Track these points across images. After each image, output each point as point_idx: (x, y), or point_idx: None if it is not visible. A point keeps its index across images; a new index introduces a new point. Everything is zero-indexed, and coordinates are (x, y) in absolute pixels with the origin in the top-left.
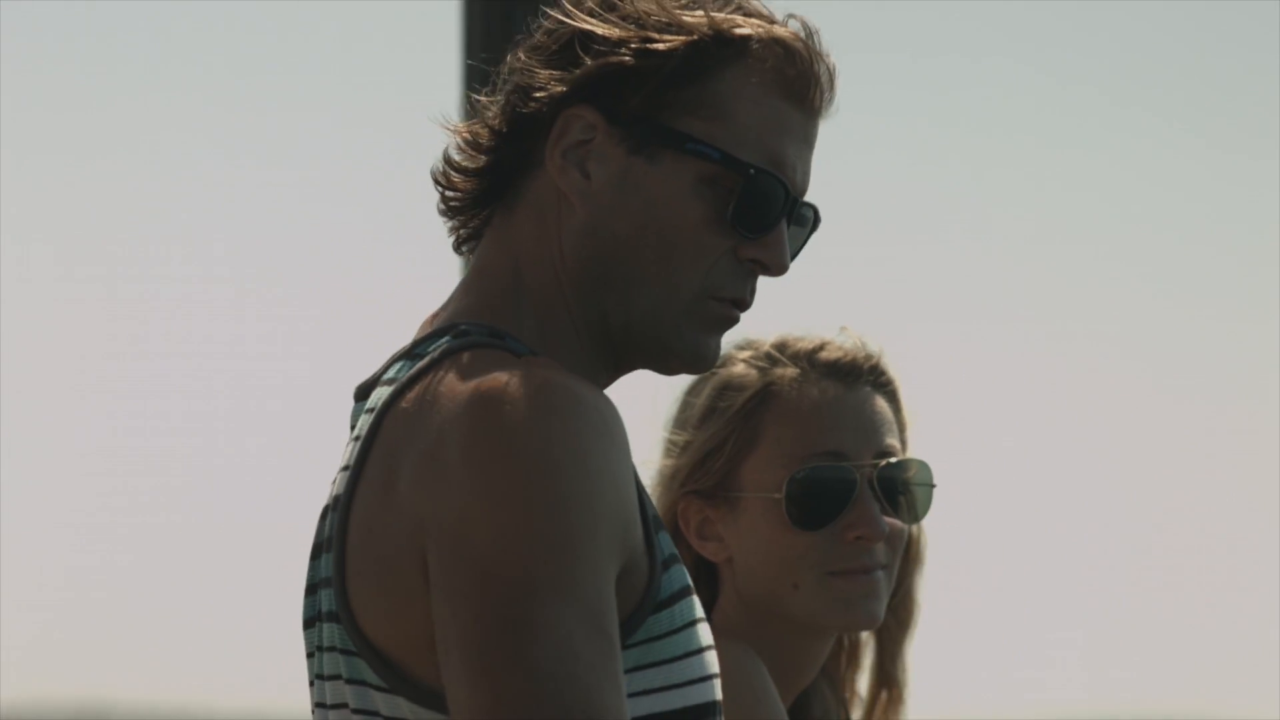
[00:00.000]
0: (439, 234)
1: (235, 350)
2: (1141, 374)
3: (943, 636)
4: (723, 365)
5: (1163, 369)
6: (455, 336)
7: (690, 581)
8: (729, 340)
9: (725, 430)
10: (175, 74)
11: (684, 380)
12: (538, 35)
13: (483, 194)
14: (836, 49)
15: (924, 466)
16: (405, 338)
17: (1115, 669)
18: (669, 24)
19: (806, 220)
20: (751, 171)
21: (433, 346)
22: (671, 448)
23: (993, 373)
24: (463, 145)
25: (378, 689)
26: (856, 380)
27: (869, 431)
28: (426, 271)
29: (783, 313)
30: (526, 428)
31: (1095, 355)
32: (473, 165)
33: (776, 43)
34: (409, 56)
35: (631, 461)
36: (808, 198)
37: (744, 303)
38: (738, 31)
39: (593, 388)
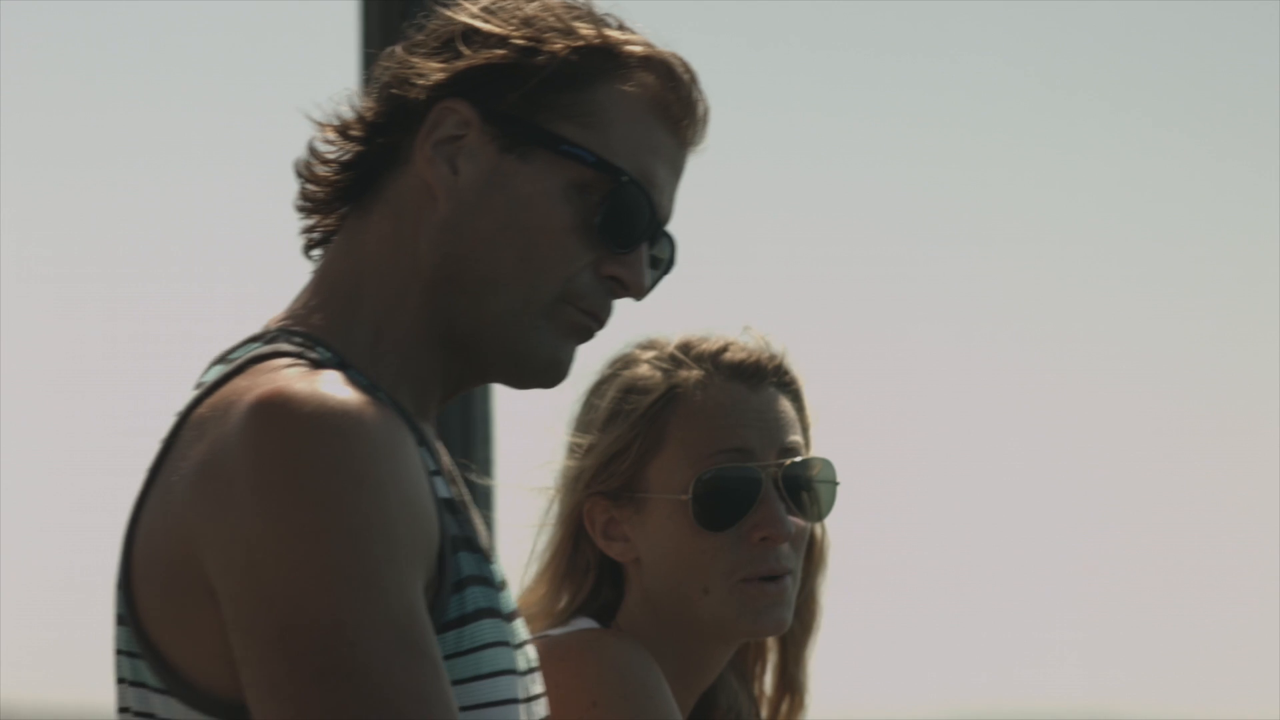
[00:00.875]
0: None
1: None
2: (1123, 371)
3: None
4: (626, 367)
5: (1147, 364)
6: (265, 343)
7: (499, 604)
8: (631, 340)
9: (630, 432)
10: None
11: (585, 381)
12: (419, 34)
13: (344, 189)
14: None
15: (828, 465)
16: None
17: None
18: (557, 28)
19: (661, 260)
20: (624, 179)
21: (241, 352)
22: (575, 449)
23: (962, 363)
24: (331, 134)
25: (155, 690)
26: (760, 381)
27: (773, 430)
28: None
29: (758, 308)
30: (310, 452)
31: (1081, 354)
32: (339, 156)
33: (663, 65)
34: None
35: (424, 479)
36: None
37: (602, 318)
38: (626, 48)
39: (380, 406)
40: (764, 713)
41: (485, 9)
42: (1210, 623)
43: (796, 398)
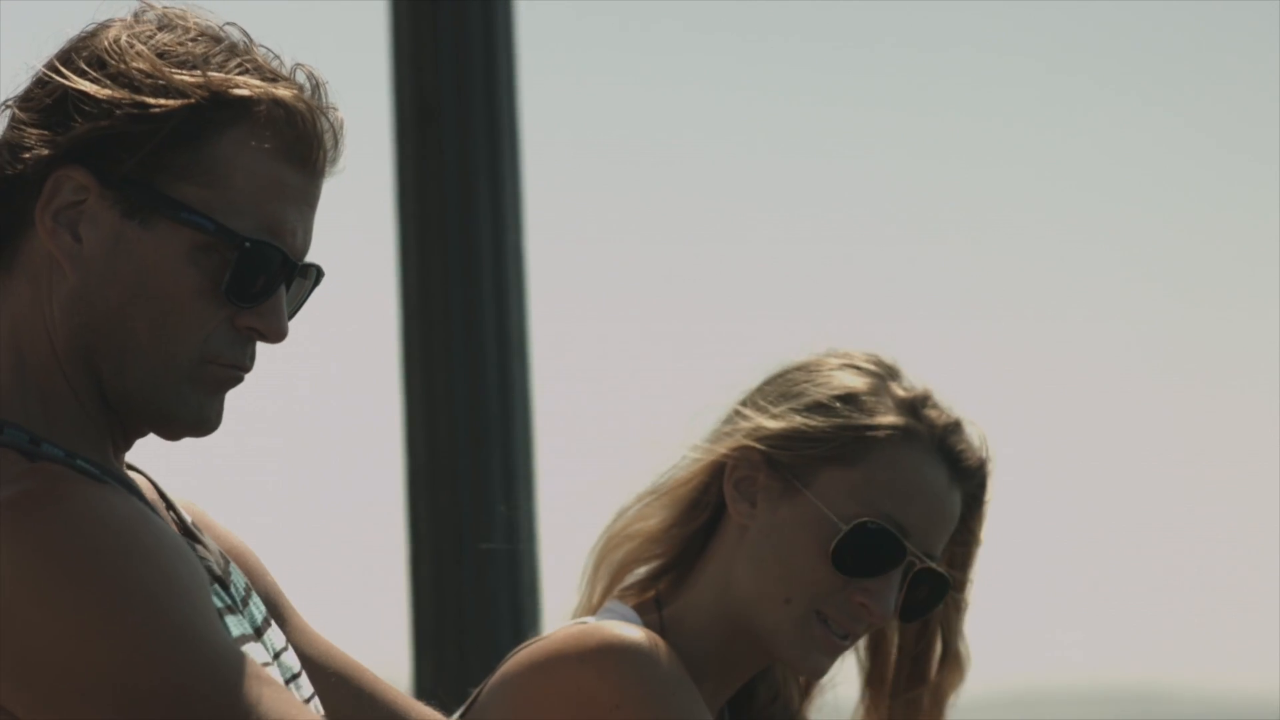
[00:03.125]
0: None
1: None
2: (1128, 356)
3: None
4: (847, 369)
5: (1152, 349)
6: None
7: (246, 627)
8: (846, 345)
9: (833, 432)
10: None
11: (790, 359)
12: (30, 85)
13: None
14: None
15: (945, 585)
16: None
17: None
18: (163, 86)
19: (306, 279)
20: (247, 245)
21: None
22: (767, 407)
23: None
24: None
25: None
26: (962, 481)
27: (939, 533)
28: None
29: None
30: (70, 545)
31: (1090, 345)
32: None
33: (277, 104)
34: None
35: (169, 526)
36: (311, 255)
37: (244, 367)
38: (235, 93)
39: (105, 485)
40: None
41: (84, 69)
42: (1252, 595)
43: (969, 510)
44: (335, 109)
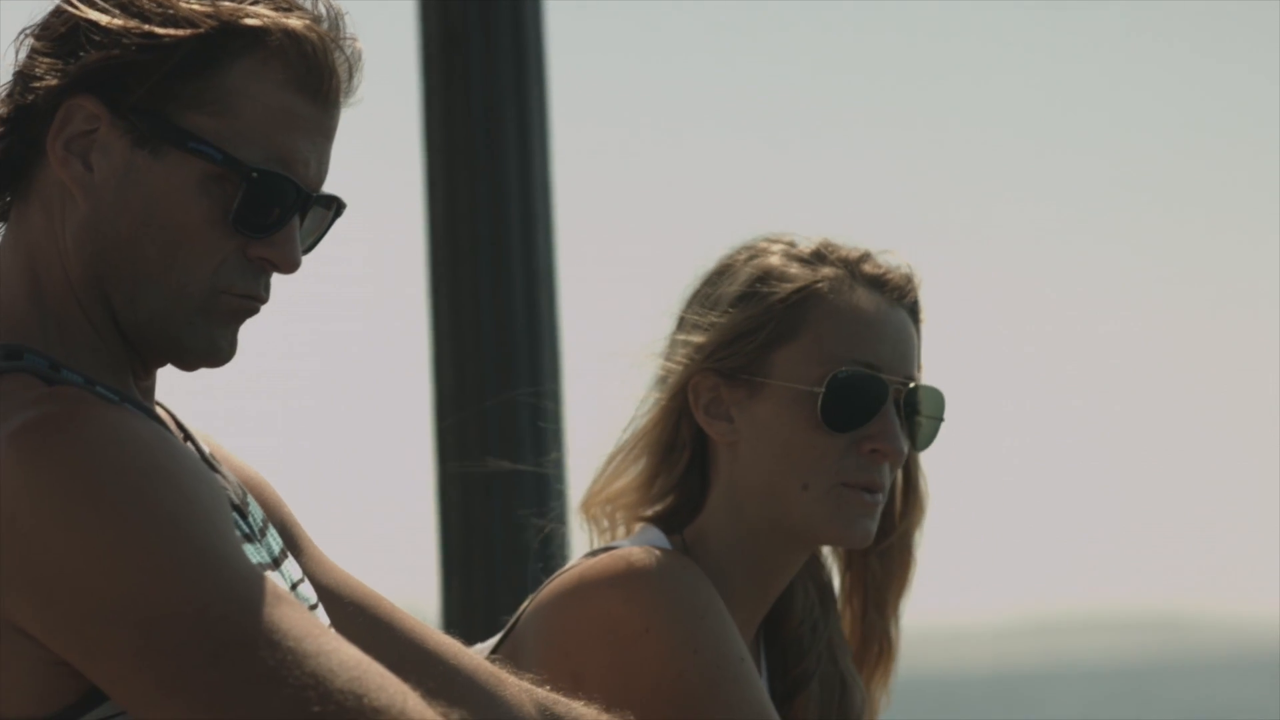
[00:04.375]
0: (404, 218)
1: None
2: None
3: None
4: (757, 255)
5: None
6: None
7: (264, 557)
8: (758, 233)
9: (764, 316)
10: None
11: (706, 265)
12: (47, 15)
13: None
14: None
15: (941, 398)
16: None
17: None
18: (172, 15)
19: (327, 209)
20: (254, 175)
21: None
22: (694, 325)
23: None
24: None
25: None
26: (898, 300)
27: (904, 353)
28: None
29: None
30: (92, 466)
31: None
32: None
33: (288, 35)
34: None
35: (191, 450)
36: (338, 187)
37: (259, 297)
38: (246, 23)
39: (124, 409)
40: (849, 661)
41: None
42: (1275, 523)
43: (918, 327)
44: (354, 39)
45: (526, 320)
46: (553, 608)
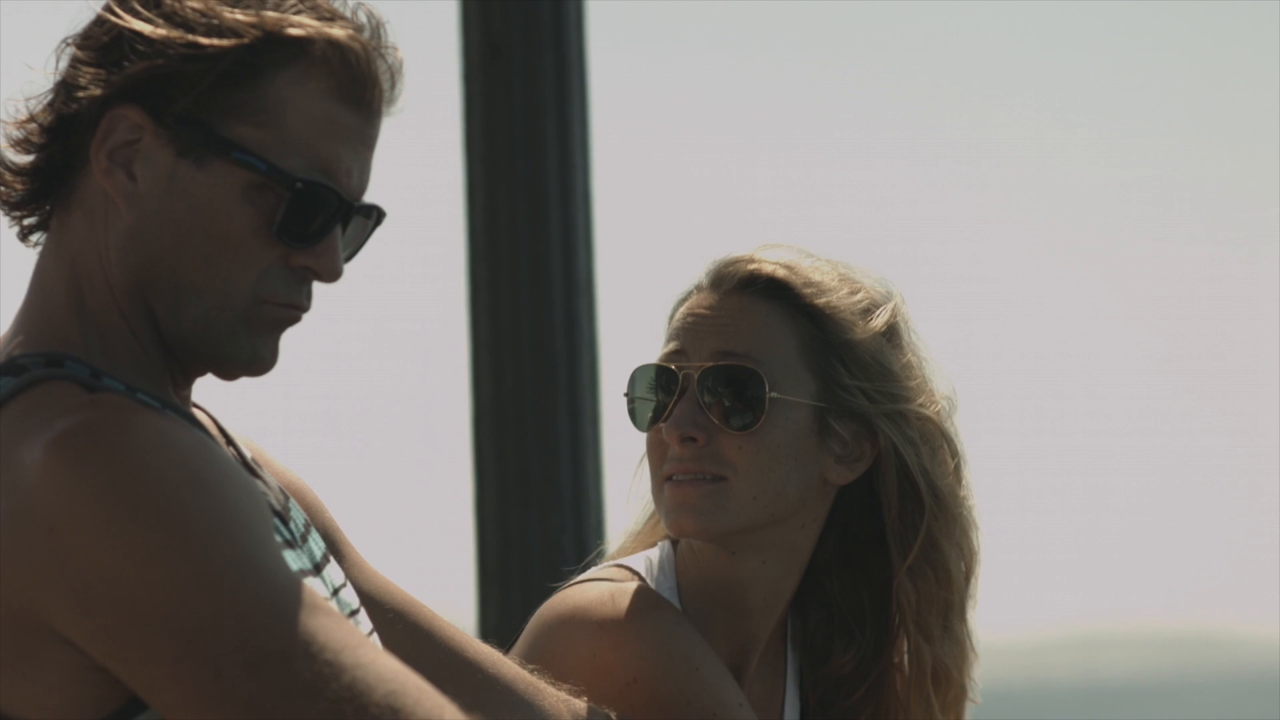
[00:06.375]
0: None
1: None
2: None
3: None
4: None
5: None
6: (14, 375)
7: (305, 563)
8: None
9: None
10: None
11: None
12: (89, 24)
13: (37, 192)
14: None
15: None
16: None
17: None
18: (216, 25)
19: (368, 219)
20: (299, 185)
21: None
22: None
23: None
24: (12, 142)
25: None
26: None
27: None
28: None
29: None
30: (134, 473)
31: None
32: (22, 163)
33: (331, 44)
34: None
35: (232, 459)
36: (379, 197)
37: (303, 306)
38: (290, 33)
39: (166, 416)
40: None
41: (138, 10)
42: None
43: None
44: (395, 49)
45: (566, 331)
46: (545, 634)
